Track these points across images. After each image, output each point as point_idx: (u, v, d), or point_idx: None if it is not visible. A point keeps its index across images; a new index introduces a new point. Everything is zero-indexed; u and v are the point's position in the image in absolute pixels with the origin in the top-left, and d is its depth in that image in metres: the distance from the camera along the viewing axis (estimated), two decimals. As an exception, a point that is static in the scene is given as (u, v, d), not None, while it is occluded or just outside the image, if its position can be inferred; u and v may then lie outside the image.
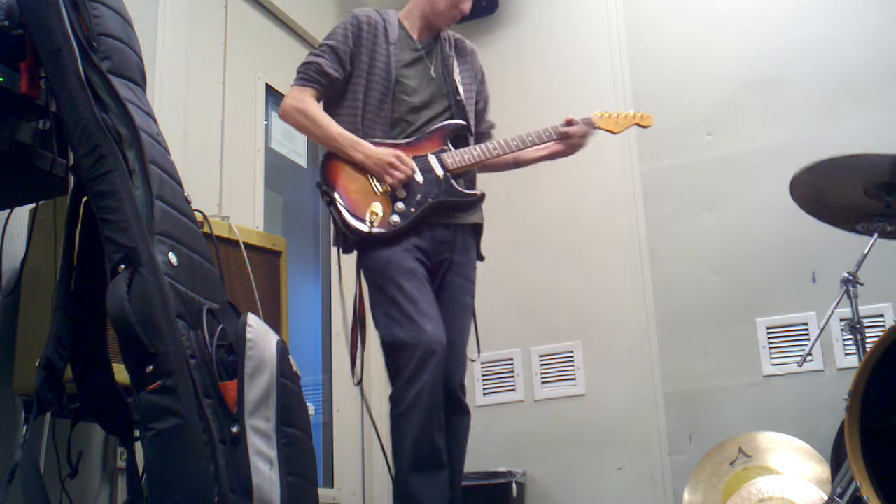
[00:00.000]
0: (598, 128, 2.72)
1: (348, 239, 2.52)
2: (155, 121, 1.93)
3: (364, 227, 2.45)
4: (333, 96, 2.63)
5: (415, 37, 2.71)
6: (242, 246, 2.65)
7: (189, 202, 1.89)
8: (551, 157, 2.75)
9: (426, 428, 2.29)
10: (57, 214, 1.96)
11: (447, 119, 2.64)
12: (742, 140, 3.88)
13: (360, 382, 2.52)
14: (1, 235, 2.00)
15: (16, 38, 1.81)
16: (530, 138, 2.64)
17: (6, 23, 1.79)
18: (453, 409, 2.45)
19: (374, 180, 2.51)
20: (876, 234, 2.70)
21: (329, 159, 2.56)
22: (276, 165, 3.82)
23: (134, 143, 1.75)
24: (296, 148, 3.98)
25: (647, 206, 3.98)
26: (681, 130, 3.99)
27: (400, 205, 2.49)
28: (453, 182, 2.56)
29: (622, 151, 4.02)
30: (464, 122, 2.66)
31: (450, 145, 2.61)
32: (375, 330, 2.46)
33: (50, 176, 1.87)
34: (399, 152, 2.51)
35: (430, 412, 2.29)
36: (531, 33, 4.44)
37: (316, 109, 2.58)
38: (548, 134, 2.66)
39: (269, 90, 3.78)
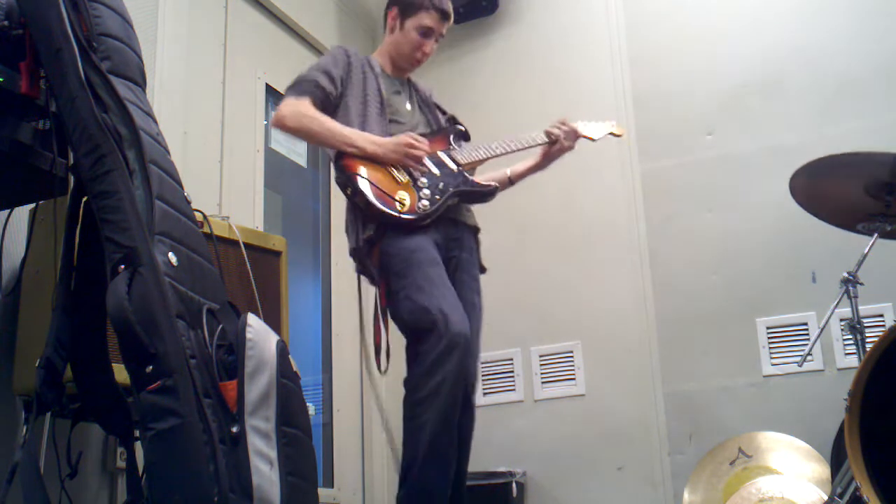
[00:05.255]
0: (580, 134, 2.79)
1: (364, 231, 2.47)
2: (155, 121, 1.93)
3: (394, 212, 2.45)
4: (325, 112, 2.60)
5: (390, 74, 2.80)
6: (242, 246, 2.65)
7: (189, 202, 1.89)
8: (539, 166, 2.82)
9: (446, 419, 2.28)
10: (57, 214, 1.96)
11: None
12: (742, 140, 3.88)
13: (385, 371, 2.53)
14: (1, 235, 2.00)
15: (16, 38, 1.80)
16: (525, 141, 2.73)
17: (6, 23, 1.79)
18: (464, 407, 2.45)
19: (394, 171, 2.53)
20: (876, 234, 2.70)
21: (343, 156, 2.54)
22: (276, 165, 3.82)
23: (134, 143, 1.75)
24: (296, 148, 3.98)
25: (647, 206, 3.98)
26: (681, 130, 3.99)
27: (426, 191, 2.51)
28: (467, 175, 2.63)
29: (622, 151, 4.02)
30: (463, 128, 2.78)
31: (454, 145, 2.69)
32: (397, 315, 2.44)
33: (50, 176, 1.87)
34: (409, 132, 2.56)
35: (451, 403, 2.29)
36: (531, 33, 4.44)
37: (318, 112, 2.56)
38: (540, 137, 2.75)
39: (269, 90, 3.78)
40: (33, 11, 1.78)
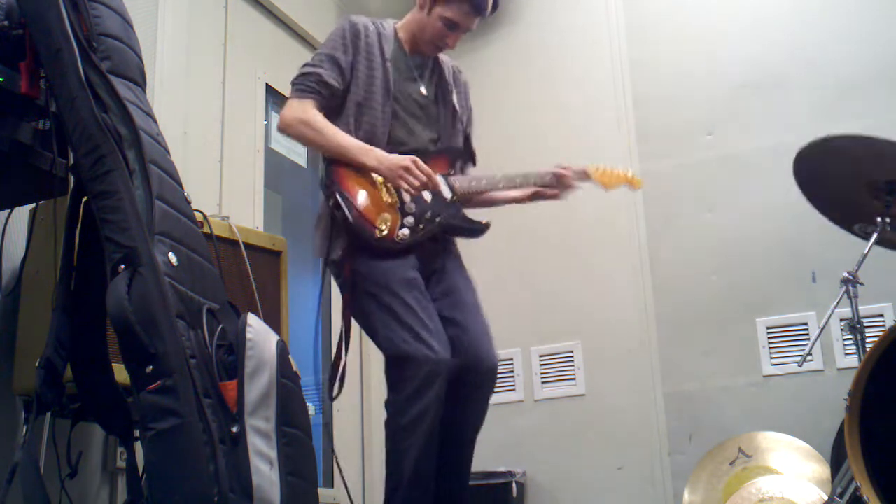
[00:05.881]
0: (592, 179, 2.66)
1: (334, 249, 2.41)
2: (155, 121, 1.93)
3: (374, 233, 2.36)
4: (330, 108, 2.52)
5: (408, 51, 2.64)
6: (242, 246, 2.66)
7: (189, 202, 1.89)
8: (520, 200, 2.68)
9: (429, 444, 2.27)
10: (57, 214, 1.96)
11: (436, 145, 2.60)
12: (742, 140, 3.88)
13: (335, 398, 2.50)
14: (1, 235, 2.00)
15: (16, 38, 1.81)
16: (532, 178, 2.60)
17: (6, 23, 1.80)
18: (475, 399, 2.40)
19: (384, 190, 2.44)
20: (876, 234, 2.70)
21: (334, 164, 2.45)
22: (276, 165, 3.82)
23: (134, 143, 1.75)
24: (296, 148, 3.98)
25: (647, 206, 3.98)
26: (681, 130, 3.99)
27: (409, 219, 2.42)
28: (459, 207, 2.53)
29: (622, 152, 4.02)
30: (467, 149, 2.67)
31: (457, 168, 2.59)
32: (372, 339, 2.40)
33: (50, 176, 1.87)
34: (415, 158, 2.42)
35: (433, 430, 2.27)
36: (531, 33, 4.44)
37: (321, 119, 2.46)
38: (540, 178, 2.61)
39: (269, 90, 3.78)
40: (33, 11, 1.79)
